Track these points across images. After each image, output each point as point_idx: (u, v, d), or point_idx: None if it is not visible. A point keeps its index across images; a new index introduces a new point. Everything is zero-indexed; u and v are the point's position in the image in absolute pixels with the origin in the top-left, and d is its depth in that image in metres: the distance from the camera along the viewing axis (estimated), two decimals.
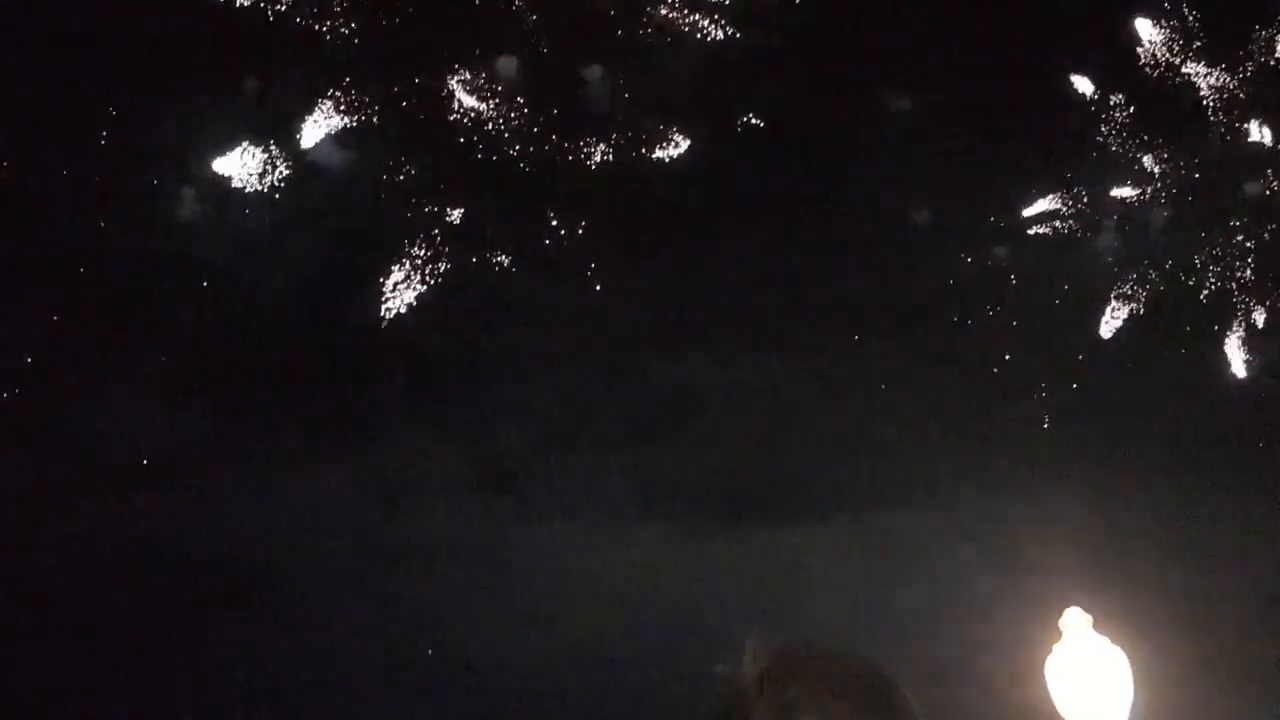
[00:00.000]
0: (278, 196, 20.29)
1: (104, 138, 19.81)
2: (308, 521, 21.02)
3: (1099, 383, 21.72)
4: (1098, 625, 8.88)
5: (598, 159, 20.57)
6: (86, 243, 19.84)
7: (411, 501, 21.54)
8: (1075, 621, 8.85)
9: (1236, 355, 21.82)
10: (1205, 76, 21.53)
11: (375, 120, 20.30)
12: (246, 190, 20.35)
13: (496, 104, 20.44)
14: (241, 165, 20.28)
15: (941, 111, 21.45)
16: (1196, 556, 19.83)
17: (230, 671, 19.88)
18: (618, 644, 19.74)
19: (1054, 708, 8.88)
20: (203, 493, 20.93)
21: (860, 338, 21.73)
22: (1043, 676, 8.93)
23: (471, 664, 20.19)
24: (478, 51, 20.41)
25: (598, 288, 21.07)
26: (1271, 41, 21.62)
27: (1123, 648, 8.84)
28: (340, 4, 19.95)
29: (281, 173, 20.26)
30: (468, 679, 20.11)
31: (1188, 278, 21.70)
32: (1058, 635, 8.90)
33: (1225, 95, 21.59)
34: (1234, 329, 21.78)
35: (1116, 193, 21.93)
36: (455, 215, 20.79)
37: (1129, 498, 20.15)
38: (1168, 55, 21.57)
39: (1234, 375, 21.85)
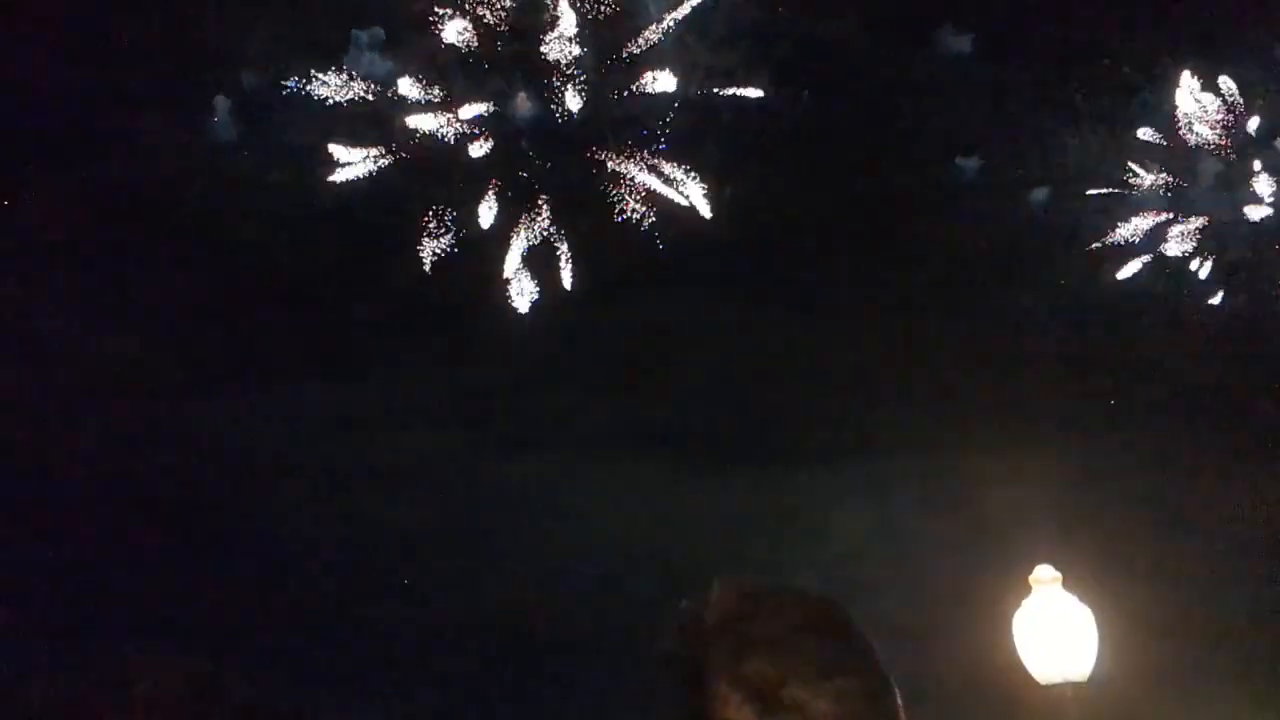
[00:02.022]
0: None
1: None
2: (291, 444, 21.04)
3: (1100, 341, 21.77)
4: (1067, 583, 8.95)
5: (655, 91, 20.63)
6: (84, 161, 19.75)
7: (392, 429, 21.53)
8: (1045, 578, 8.92)
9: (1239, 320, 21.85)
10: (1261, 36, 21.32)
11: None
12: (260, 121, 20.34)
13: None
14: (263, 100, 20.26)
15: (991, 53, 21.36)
16: (1168, 519, 19.97)
17: (209, 589, 19.93)
18: (591, 576, 19.85)
19: (1020, 660, 8.96)
20: (191, 409, 20.96)
21: (851, 285, 21.72)
22: (1010, 630, 9.00)
23: (447, 590, 20.30)
24: None
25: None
26: None
27: (1090, 606, 8.91)
28: None
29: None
30: (443, 604, 20.22)
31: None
32: (1027, 590, 8.97)
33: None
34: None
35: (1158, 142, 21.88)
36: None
37: (1106, 459, 20.24)
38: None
39: (1228, 341, 21.88)
